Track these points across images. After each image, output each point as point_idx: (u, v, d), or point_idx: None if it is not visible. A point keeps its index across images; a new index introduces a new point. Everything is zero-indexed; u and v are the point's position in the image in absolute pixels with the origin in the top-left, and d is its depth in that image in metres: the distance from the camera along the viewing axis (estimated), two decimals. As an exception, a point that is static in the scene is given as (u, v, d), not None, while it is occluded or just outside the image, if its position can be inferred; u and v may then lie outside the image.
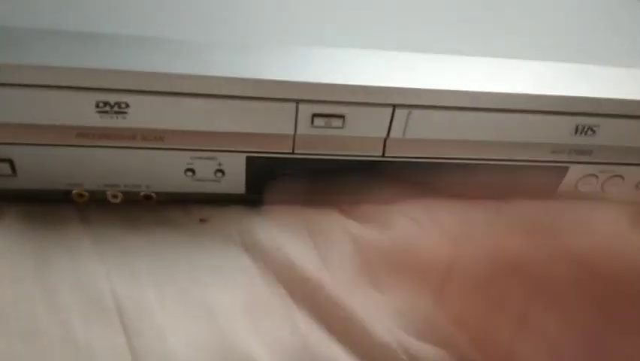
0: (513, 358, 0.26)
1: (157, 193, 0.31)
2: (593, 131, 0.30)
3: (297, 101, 0.27)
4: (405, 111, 0.28)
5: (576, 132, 0.30)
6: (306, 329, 0.26)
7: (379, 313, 0.27)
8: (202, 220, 0.31)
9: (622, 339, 0.24)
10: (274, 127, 0.28)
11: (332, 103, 0.27)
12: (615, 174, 0.33)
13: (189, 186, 0.30)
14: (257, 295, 0.28)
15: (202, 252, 0.29)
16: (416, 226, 0.32)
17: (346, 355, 0.25)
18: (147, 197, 0.31)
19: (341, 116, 0.28)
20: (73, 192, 0.30)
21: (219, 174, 0.30)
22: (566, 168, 0.32)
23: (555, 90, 0.28)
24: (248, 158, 0.29)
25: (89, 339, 0.24)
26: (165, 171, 0.29)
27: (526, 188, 0.33)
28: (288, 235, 0.31)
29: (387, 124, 0.28)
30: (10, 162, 0.28)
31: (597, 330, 0.24)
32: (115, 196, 0.30)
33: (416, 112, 0.28)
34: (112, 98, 0.26)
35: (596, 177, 0.33)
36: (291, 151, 0.29)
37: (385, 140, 0.29)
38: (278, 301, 0.27)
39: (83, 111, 0.26)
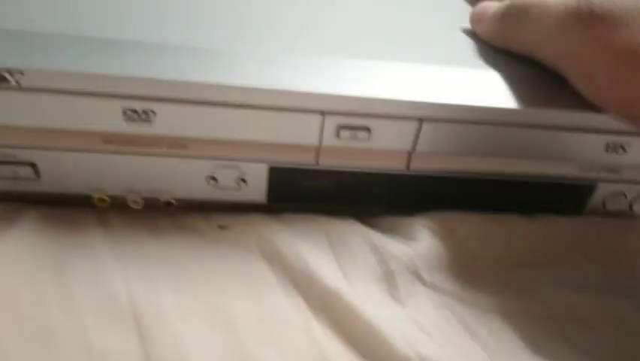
0: None
1: (178, 200, 0.30)
2: (624, 150, 0.29)
3: (323, 113, 0.27)
4: (432, 125, 0.28)
5: (607, 150, 0.29)
6: (324, 340, 0.26)
7: (399, 326, 0.27)
8: (221, 227, 0.31)
9: None
10: (299, 138, 0.28)
11: (358, 115, 0.27)
12: (644, 192, 0.32)
13: (211, 193, 0.30)
14: (275, 305, 0.27)
15: (221, 259, 0.29)
16: (438, 239, 0.31)
17: None
18: (168, 203, 0.31)
19: (367, 129, 0.27)
20: (95, 196, 0.30)
21: (242, 183, 0.30)
22: (594, 186, 0.32)
23: (586, 107, 0.28)
24: (271, 168, 0.29)
25: (103, 344, 0.24)
26: (187, 178, 0.29)
27: (552, 205, 0.33)
28: (309, 244, 0.30)
29: (413, 137, 0.28)
30: (34, 165, 0.28)
31: None
32: (136, 202, 0.30)
33: (442, 126, 0.28)
34: (139, 105, 0.25)
35: (625, 195, 0.32)
36: (315, 162, 0.29)
37: (410, 153, 0.29)
38: (296, 312, 0.27)
39: (109, 118, 0.26)
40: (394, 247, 0.30)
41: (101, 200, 0.30)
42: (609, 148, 0.29)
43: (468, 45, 0.34)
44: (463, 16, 0.37)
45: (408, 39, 0.33)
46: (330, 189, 0.31)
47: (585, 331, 0.28)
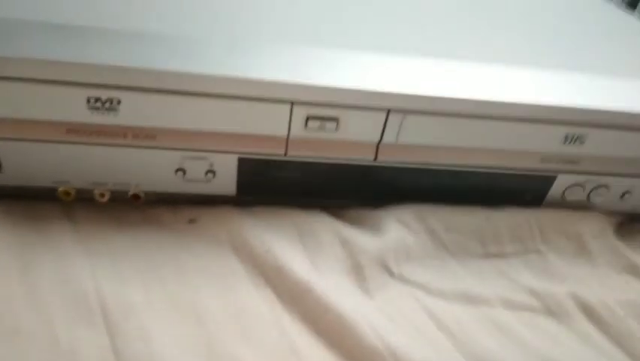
0: None
1: (146, 193, 0.30)
2: (582, 141, 0.30)
3: (292, 103, 0.27)
4: (399, 116, 0.28)
5: (565, 142, 0.30)
6: (294, 332, 0.26)
7: (368, 317, 0.27)
8: (191, 221, 0.30)
9: None
10: (267, 128, 0.28)
11: (327, 106, 0.27)
12: (601, 184, 0.33)
13: (179, 186, 0.30)
14: (245, 299, 0.27)
15: (190, 253, 0.29)
16: (407, 230, 0.32)
17: (334, 358, 0.25)
18: (135, 196, 0.30)
19: (335, 119, 0.28)
20: (59, 189, 0.29)
21: (210, 175, 0.29)
22: (554, 177, 0.33)
23: (545, 99, 0.29)
24: (240, 159, 0.29)
25: (71, 339, 0.23)
26: (156, 170, 0.29)
27: (514, 196, 0.34)
28: (278, 237, 0.30)
29: (381, 128, 0.28)
30: (-4, 157, 0.27)
31: None
32: (102, 195, 0.30)
33: (410, 117, 0.28)
34: (103, 94, 0.25)
35: (583, 186, 0.33)
36: (283, 153, 0.29)
37: (378, 144, 0.29)
38: (266, 304, 0.27)
39: (73, 107, 0.25)
40: (363, 239, 0.30)
41: (66, 193, 0.29)
42: (567, 140, 0.30)
43: (435, 34, 0.34)
44: (430, 3, 0.37)
45: (377, 29, 0.34)
46: (299, 181, 0.31)
47: (551, 318, 0.29)
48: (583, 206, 0.34)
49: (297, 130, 0.28)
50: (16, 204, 0.29)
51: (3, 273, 0.25)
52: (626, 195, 0.34)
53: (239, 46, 0.27)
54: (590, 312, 0.30)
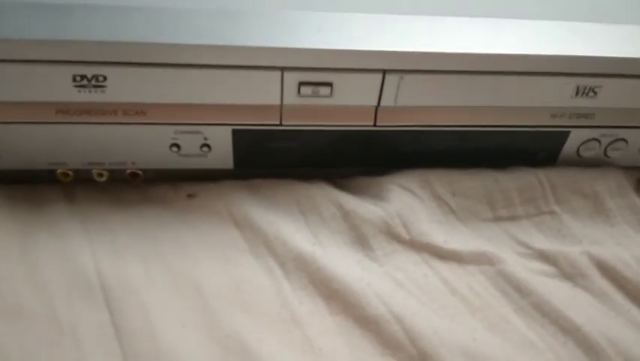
0: None
1: (144, 170, 0.30)
2: (595, 93, 0.28)
3: (282, 69, 0.26)
4: (396, 77, 0.27)
5: (577, 94, 0.28)
6: (295, 301, 0.26)
7: (375, 284, 0.26)
8: (190, 196, 0.30)
9: None
10: (259, 97, 0.27)
11: (319, 70, 0.26)
12: (618, 137, 0.31)
13: (176, 162, 0.29)
14: (246, 270, 0.27)
15: (189, 227, 0.28)
16: (412, 197, 0.31)
17: (338, 326, 0.25)
18: (134, 174, 0.30)
19: (329, 84, 0.27)
20: (58, 171, 0.29)
21: (205, 149, 0.29)
22: (567, 133, 0.31)
23: (553, 50, 0.27)
24: (234, 131, 0.28)
25: (72, 316, 0.24)
26: (150, 147, 0.28)
27: (525, 155, 0.32)
28: (279, 210, 0.30)
29: (378, 91, 0.27)
30: (-9, 141, 0.27)
31: None
32: (100, 175, 0.30)
33: (408, 77, 0.27)
34: (88, 71, 0.25)
35: (599, 141, 0.32)
36: (278, 123, 0.28)
37: (376, 108, 0.28)
38: (267, 276, 0.27)
39: (60, 86, 0.25)
40: (365, 209, 0.30)
41: (65, 174, 0.29)
42: (579, 92, 0.28)
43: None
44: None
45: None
46: (297, 151, 0.30)
47: (566, 281, 0.28)
48: (601, 162, 0.33)
49: (290, 97, 0.27)
50: (16, 187, 0.29)
51: (4, 253, 0.26)
52: (647, 149, 0.32)
53: (223, 13, 0.26)
54: (605, 269, 0.28)
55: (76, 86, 0.25)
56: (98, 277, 0.25)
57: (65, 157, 0.28)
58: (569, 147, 0.32)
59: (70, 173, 0.29)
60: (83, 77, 0.25)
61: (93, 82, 0.25)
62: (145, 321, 0.24)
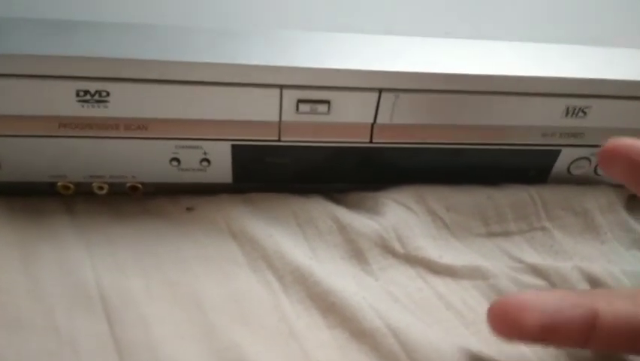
0: None
1: (143, 184, 0.30)
2: (584, 113, 0.29)
3: (281, 87, 0.26)
4: (392, 95, 0.28)
5: (567, 114, 0.29)
6: (293, 315, 0.26)
7: (371, 298, 0.27)
8: (189, 209, 0.30)
9: None
10: (258, 114, 0.27)
11: (317, 88, 0.27)
12: (608, 156, 0.32)
13: (175, 176, 0.30)
14: (244, 284, 0.27)
15: (188, 240, 0.29)
16: (407, 211, 0.31)
17: (335, 339, 0.25)
18: (134, 188, 0.30)
19: (326, 102, 0.27)
20: (58, 184, 0.29)
21: (205, 163, 0.29)
22: (558, 151, 0.32)
23: (543, 72, 0.28)
24: (233, 146, 0.29)
25: (72, 328, 0.24)
26: (150, 161, 0.29)
27: (517, 173, 0.33)
28: (277, 223, 0.30)
29: (374, 109, 0.28)
30: (-6, 155, 0.28)
31: None
32: (101, 188, 0.30)
33: (403, 96, 0.28)
34: (92, 86, 0.25)
35: (589, 160, 0.32)
36: (277, 138, 0.29)
37: (372, 125, 0.29)
38: (265, 289, 0.27)
39: (63, 101, 0.26)
40: (361, 223, 0.30)
41: (65, 187, 0.30)
42: (569, 112, 0.29)
43: (425, 14, 0.34)
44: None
45: (364, 9, 0.33)
46: (295, 166, 0.31)
47: None
48: (591, 180, 0.33)
49: (289, 114, 0.28)
50: (16, 200, 0.29)
51: (4, 265, 0.26)
52: (636, 167, 0.33)
53: (224, 32, 0.27)
54: (595, 283, 0.29)
55: (79, 101, 0.26)
56: (97, 289, 0.26)
57: (66, 170, 0.29)
58: (560, 164, 0.32)
59: (71, 186, 0.30)
60: (86, 92, 0.25)
61: (96, 97, 0.26)
62: (144, 333, 0.24)
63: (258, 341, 0.25)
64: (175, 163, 0.29)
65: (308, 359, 0.24)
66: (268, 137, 0.29)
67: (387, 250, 0.30)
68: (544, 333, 0.21)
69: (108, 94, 0.25)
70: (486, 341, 0.26)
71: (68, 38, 0.25)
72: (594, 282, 0.29)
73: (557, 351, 0.26)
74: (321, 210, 0.31)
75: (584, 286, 0.29)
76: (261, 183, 0.31)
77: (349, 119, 0.28)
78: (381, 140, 0.30)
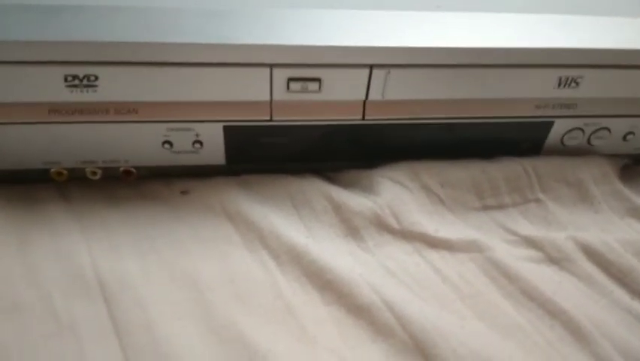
0: None
1: (137, 168, 0.30)
2: (577, 84, 0.29)
3: (271, 66, 0.26)
4: (383, 71, 0.27)
5: (559, 85, 0.29)
6: (289, 292, 0.26)
7: (366, 274, 0.27)
8: (183, 192, 0.30)
9: None
10: (249, 94, 0.27)
11: (307, 66, 0.26)
12: (601, 126, 0.32)
13: (168, 159, 0.30)
14: (240, 263, 0.27)
15: (184, 223, 0.29)
16: (401, 189, 0.31)
17: (331, 315, 0.25)
18: (127, 172, 0.30)
19: (317, 80, 0.27)
20: (52, 170, 0.29)
21: (197, 145, 0.29)
22: (551, 123, 0.32)
23: (535, 43, 0.27)
24: (225, 127, 0.29)
25: (70, 311, 0.24)
26: (142, 144, 0.29)
27: (510, 146, 0.33)
28: (272, 204, 0.30)
29: (366, 86, 0.28)
30: (-16, 142, 0.27)
31: None
32: (94, 173, 0.30)
33: (394, 71, 0.27)
34: (80, 71, 0.25)
35: (582, 130, 0.32)
36: (268, 118, 0.29)
37: (365, 102, 0.29)
38: (262, 268, 0.27)
39: (51, 86, 0.25)
40: (356, 202, 0.30)
41: (59, 173, 0.30)
42: (561, 83, 0.29)
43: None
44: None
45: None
46: (288, 146, 0.31)
47: (553, 265, 0.29)
48: (584, 151, 0.33)
49: (280, 93, 0.27)
50: (11, 187, 0.29)
51: (2, 252, 0.26)
52: (629, 136, 0.33)
53: (212, 12, 0.27)
54: (590, 253, 0.29)
55: (68, 86, 0.25)
56: (94, 273, 0.26)
57: (59, 156, 0.29)
58: (554, 136, 0.32)
59: (64, 172, 0.30)
60: (74, 77, 0.25)
61: (85, 82, 0.25)
62: (142, 314, 0.24)
63: (255, 318, 0.25)
64: (167, 146, 0.29)
65: (306, 335, 0.25)
66: (260, 117, 0.28)
67: (383, 227, 0.30)
68: None
69: (97, 78, 0.25)
70: (481, 313, 0.26)
71: (54, 22, 0.25)
72: (588, 251, 0.29)
73: (552, 320, 0.26)
74: (316, 189, 0.31)
75: (578, 255, 0.29)
76: (254, 164, 0.31)
77: (341, 97, 0.28)
78: (373, 117, 0.30)
